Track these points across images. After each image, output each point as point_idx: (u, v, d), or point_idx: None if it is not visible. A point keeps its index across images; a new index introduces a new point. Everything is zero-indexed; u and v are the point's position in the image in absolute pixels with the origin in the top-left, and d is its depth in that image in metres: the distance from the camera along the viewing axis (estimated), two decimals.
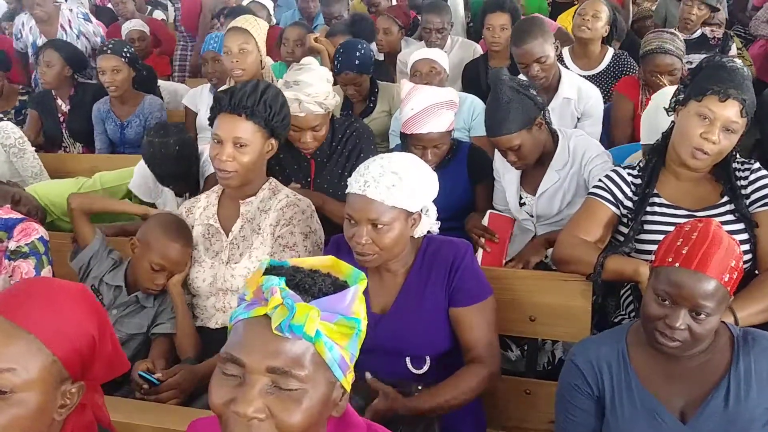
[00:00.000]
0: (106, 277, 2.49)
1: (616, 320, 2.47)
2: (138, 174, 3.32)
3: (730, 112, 2.10)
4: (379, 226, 1.97)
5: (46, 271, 2.49)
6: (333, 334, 1.17)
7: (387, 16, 5.14)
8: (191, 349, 2.37)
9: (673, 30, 3.56)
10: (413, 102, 2.91)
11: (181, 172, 3.03)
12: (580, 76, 4.06)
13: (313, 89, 2.76)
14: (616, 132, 3.75)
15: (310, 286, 1.18)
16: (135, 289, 2.48)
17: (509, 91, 2.68)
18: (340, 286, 1.22)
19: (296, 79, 2.78)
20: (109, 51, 4.14)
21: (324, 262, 1.30)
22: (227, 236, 2.44)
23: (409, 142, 2.97)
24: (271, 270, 1.22)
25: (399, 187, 1.94)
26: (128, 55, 4.18)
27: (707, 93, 2.11)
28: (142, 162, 3.18)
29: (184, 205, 2.59)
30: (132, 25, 5.69)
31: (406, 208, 1.97)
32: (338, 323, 1.17)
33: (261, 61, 3.53)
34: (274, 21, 5.13)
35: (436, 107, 2.90)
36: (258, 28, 3.45)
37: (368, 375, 1.92)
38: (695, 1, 4.69)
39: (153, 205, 3.24)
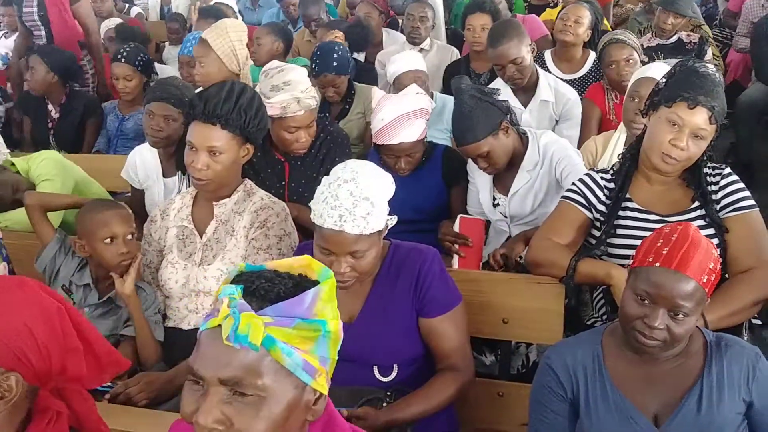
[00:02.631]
0: (74, 276, 2.47)
1: (588, 322, 2.49)
2: (128, 163, 3.34)
3: (699, 119, 2.12)
4: (359, 255, 1.94)
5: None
6: (292, 339, 1.16)
7: (367, 2, 5.17)
8: (152, 356, 2.36)
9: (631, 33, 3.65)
10: (384, 112, 2.91)
11: (176, 98, 2.99)
12: (562, 79, 4.09)
13: (304, 85, 2.80)
14: (583, 137, 3.76)
15: (267, 291, 1.18)
16: (104, 288, 2.45)
17: (470, 100, 2.71)
18: (303, 288, 1.21)
19: (285, 80, 2.78)
20: (123, 59, 4.14)
21: (299, 262, 1.30)
22: (201, 237, 2.43)
23: (382, 152, 2.97)
24: (237, 276, 1.22)
25: (373, 213, 1.89)
26: (141, 62, 4.19)
27: (677, 99, 2.12)
28: (133, 151, 3.24)
29: (159, 206, 2.57)
30: (110, 23, 5.65)
31: (380, 228, 1.95)
32: (297, 327, 1.16)
33: (228, 69, 3.46)
34: (240, 18, 5.12)
35: (407, 117, 2.90)
36: (225, 37, 3.41)
37: (343, 411, 1.90)
38: (669, 13, 4.73)
39: (138, 194, 3.30)
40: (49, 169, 3.22)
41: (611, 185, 2.35)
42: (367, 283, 2.10)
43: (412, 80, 3.67)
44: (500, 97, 2.85)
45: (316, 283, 1.24)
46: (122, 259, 2.36)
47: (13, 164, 3.10)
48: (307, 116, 2.83)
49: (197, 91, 3.65)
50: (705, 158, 2.26)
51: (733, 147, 5.36)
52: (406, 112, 2.91)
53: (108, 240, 2.35)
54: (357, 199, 1.87)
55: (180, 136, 2.85)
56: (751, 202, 2.23)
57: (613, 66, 3.69)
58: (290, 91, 2.76)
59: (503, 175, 2.88)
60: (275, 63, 2.98)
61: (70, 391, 1.40)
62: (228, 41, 3.41)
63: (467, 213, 3.00)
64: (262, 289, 1.18)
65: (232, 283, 1.22)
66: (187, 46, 4.16)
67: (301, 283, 1.22)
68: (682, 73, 2.20)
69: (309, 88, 2.83)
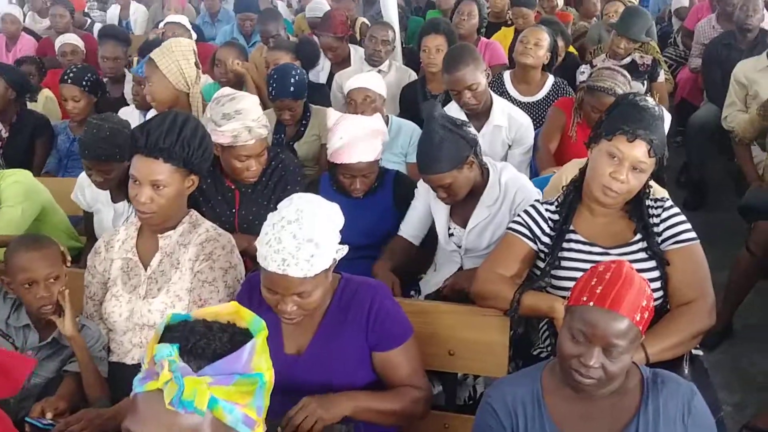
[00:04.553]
0: (10, 319, 2.40)
1: (535, 353, 2.50)
2: (77, 185, 3.31)
3: (639, 152, 2.15)
4: (305, 296, 1.93)
5: None
6: (232, 396, 1.17)
7: (325, 36, 5.17)
8: (96, 392, 2.30)
9: (625, 73, 3.61)
10: (341, 131, 2.92)
11: (107, 155, 2.93)
12: (521, 102, 4.13)
13: (255, 114, 2.79)
14: (542, 138, 3.81)
15: (203, 349, 1.18)
16: (45, 327, 2.39)
17: (442, 130, 2.68)
18: (238, 342, 1.22)
19: (236, 109, 2.77)
20: (69, 81, 4.09)
21: (227, 310, 1.30)
22: (146, 270, 2.40)
23: (338, 172, 2.98)
24: (168, 331, 1.22)
25: (318, 255, 1.87)
26: (88, 83, 4.13)
27: (617, 133, 2.15)
28: (82, 173, 3.18)
29: (103, 237, 2.53)
30: (65, 39, 5.59)
31: (326, 267, 1.93)
32: (237, 383, 1.18)
33: (174, 87, 3.38)
34: (194, 36, 5.09)
35: (364, 137, 2.92)
36: (171, 55, 3.37)
37: None
38: (623, 38, 4.80)
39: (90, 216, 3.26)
40: (16, 195, 3.18)
41: (555, 217, 2.37)
42: (317, 316, 2.09)
43: (363, 96, 3.70)
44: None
45: (248, 333, 1.24)
46: (42, 304, 2.30)
47: None
48: (258, 145, 2.82)
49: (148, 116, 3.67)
50: (646, 191, 2.29)
51: (685, 166, 5.45)
52: (365, 133, 2.93)
53: (27, 285, 2.30)
54: (300, 242, 1.85)
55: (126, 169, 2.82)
56: (692, 234, 2.26)
57: (596, 113, 3.56)
58: (241, 120, 2.74)
59: (460, 207, 2.87)
60: (227, 90, 2.96)
61: None
62: (174, 60, 3.39)
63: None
64: (199, 347, 1.18)
65: (162, 338, 1.22)
66: (141, 65, 4.12)
67: (235, 337, 1.23)
68: (623, 106, 2.24)
69: (260, 116, 2.82)
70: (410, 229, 3.02)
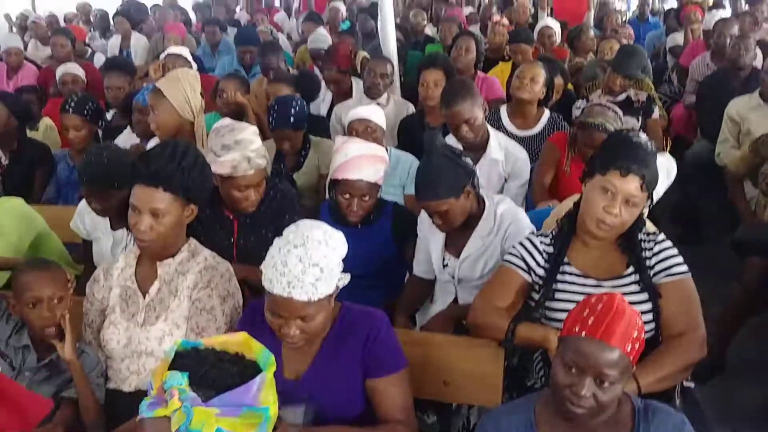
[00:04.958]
0: (11, 339, 2.42)
1: (529, 384, 2.52)
2: (77, 212, 3.33)
3: (631, 186, 2.20)
4: (308, 320, 1.97)
5: None
6: (237, 428, 1.19)
7: (329, 69, 5.25)
8: (93, 419, 2.32)
9: (617, 109, 3.68)
10: (346, 149, 2.98)
11: (106, 183, 2.96)
12: (517, 136, 4.19)
13: (255, 145, 2.84)
14: (537, 173, 3.86)
15: (214, 380, 1.20)
16: (44, 349, 2.41)
17: (441, 158, 2.73)
18: (247, 375, 1.24)
19: (236, 139, 2.81)
20: (70, 110, 4.11)
21: (236, 340, 1.32)
22: (144, 298, 2.42)
23: (338, 191, 3.02)
24: (178, 358, 1.23)
25: (323, 279, 1.92)
26: (90, 112, 4.15)
27: (610, 168, 2.20)
28: (82, 201, 3.21)
29: (102, 266, 2.56)
30: (67, 68, 5.65)
31: (330, 292, 1.98)
32: (243, 416, 1.20)
33: (181, 116, 3.43)
34: (195, 66, 5.16)
35: (369, 158, 2.98)
36: (178, 85, 3.43)
37: None
38: (619, 75, 4.87)
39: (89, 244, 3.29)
40: (10, 221, 3.20)
41: (550, 249, 2.40)
42: (316, 342, 2.12)
43: (364, 127, 3.75)
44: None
45: (256, 366, 1.26)
46: (45, 324, 2.34)
47: None
48: (257, 175, 2.86)
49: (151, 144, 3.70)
50: (639, 224, 2.33)
51: (679, 202, 5.50)
52: (369, 154, 2.99)
53: (31, 304, 2.33)
54: (306, 266, 1.90)
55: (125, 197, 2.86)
56: (684, 268, 2.30)
57: (588, 148, 3.62)
58: (241, 151, 2.79)
59: (455, 237, 2.91)
60: (226, 121, 3.01)
61: None
62: (180, 89, 3.44)
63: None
64: (209, 378, 1.21)
65: (172, 365, 1.24)
66: (141, 94, 4.17)
67: (245, 370, 1.26)
68: (616, 142, 2.30)
69: (260, 147, 2.87)
70: (422, 265, 3.06)
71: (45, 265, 2.44)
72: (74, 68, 5.68)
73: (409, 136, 4.52)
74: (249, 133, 2.87)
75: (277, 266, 1.92)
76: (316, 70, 6.03)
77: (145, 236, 2.28)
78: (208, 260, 2.44)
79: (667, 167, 2.79)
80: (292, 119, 3.80)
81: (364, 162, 2.97)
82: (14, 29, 9.80)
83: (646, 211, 2.39)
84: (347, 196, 3.00)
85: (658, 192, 2.74)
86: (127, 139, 4.41)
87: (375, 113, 3.88)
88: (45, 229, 3.44)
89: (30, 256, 3.20)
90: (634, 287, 2.28)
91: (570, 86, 5.59)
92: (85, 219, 3.28)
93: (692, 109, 5.81)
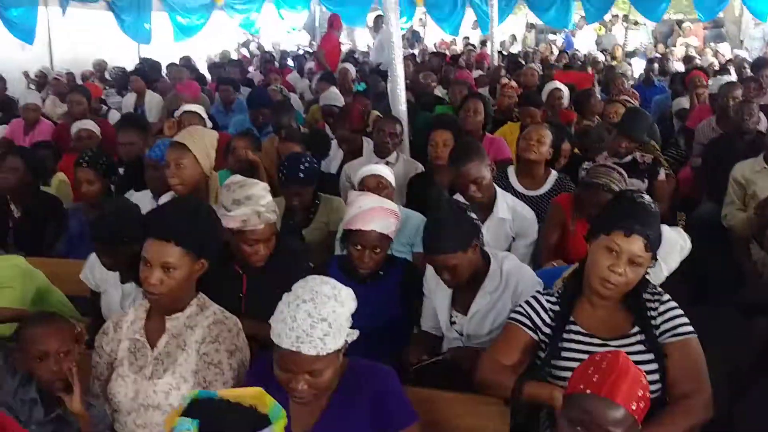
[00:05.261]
0: (18, 393, 2.44)
1: None
2: (87, 264, 3.36)
3: (635, 246, 2.23)
4: (316, 375, 2.00)
5: None
6: None
7: (341, 128, 5.34)
8: None
9: (621, 171, 3.74)
10: (361, 201, 3.05)
11: (115, 238, 2.99)
12: (525, 196, 4.23)
13: (265, 200, 2.89)
14: (543, 234, 3.88)
15: (223, 429, 1.23)
16: (51, 402, 2.42)
17: (449, 212, 2.80)
18: (257, 427, 1.26)
19: (246, 195, 2.87)
20: (84, 164, 4.18)
21: (251, 393, 1.34)
22: (153, 351, 2.44)
23: (350, 241, 3.06)
24: (192, 407, 1.25)
25: (331, 335, 1.96)
26: (103, 167, 4.22)
27: (614, 228, 2.24)
28: (93, 253, 3.24)
29: (112, 318, 2.59)
30: (82, 124, 5.76)
31: (339, 347, 2.01)
32: None
33: (203, 171, 3.58)
34: (210, 124, 5.27)
35: (381, 210, 3.04)
36: (200, 140, 3.51)
37: None
38: (624, 137, 4.93)
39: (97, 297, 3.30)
40: (12, 277, 3.24)
41: (556, 308, 2.42)
42: (325, 397, 2.14)
43: (376, 182, 3.81)
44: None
45: (267, 419, 1.28)
46: (52, 378, 2.36)
47: None
48: (267, 230, 2.91)
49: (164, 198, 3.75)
50: (644, 284, 2.35)
51: (686, 262, 5.49)
52: (383, 207, 3.05)
53: (38, 358, 2.36)
54: (315, 321, 1.94)
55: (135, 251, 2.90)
56: (690, 328, 2.32)
57: (593, 208, 3.63)
58: (251, 206, 2.84)
59: (462, 294, 2.94)
60: (237, 178, 3.07)
61: None
62: (203, 144, 3.53)
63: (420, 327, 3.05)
64: (219, 427, 1.23)
65: (185, 412, 1.25)
66: (155, 150, 4.23)
67: (256, 423, 1.28)
68: (620, 202, 2.34)
69: (270, 202, 2.92)
70: (430, 321, 3.09)
71: (51, 318, 2.47)
72: (89, 124, 5.80)
73: (417, 194, 4.58)
74: (259, 188, 2.93)
75: (286, 320, 1.95)
76: (327, 129, 6.15)
77: (155, 289, 2.31)
78: (216, 315, 2.47)
79: (681, 243, 2.84)
80: (301, 174, 3.86)
81: (377, 214, 3.02)
82: (32, 86, 10.02)
83: (663, 276, 2.39)
84: (359, 247, 3.03)
85: (671, 266, 2.80)
86: (140, 197, 4.46)
87: (385, 170, 3.95)
88: (46, 284, 3.47)
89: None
90: (640, 347, 2.29)
91: (576, 150, 5.66)
92: (95, 271, 3.32)
93: (698, 172, 5.86)
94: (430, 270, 3.00)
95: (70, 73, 10.14)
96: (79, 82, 10.07)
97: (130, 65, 10.63)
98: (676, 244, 2.86)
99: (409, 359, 2.86)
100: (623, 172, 3.68)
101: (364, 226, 3.00)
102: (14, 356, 2.44)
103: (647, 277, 2.37)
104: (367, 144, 5.40)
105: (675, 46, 15.34)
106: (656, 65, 11.14)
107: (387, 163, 4.76)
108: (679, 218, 5.05)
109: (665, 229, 2.91)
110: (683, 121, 7.22)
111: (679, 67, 11.33)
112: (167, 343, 2.43)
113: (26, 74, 10.53)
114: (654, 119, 6.86)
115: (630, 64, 11.89)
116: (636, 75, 11.18)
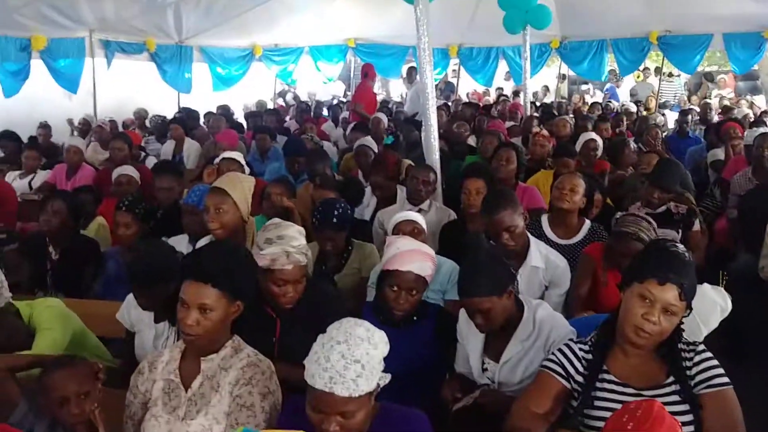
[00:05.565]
0: None
1: None
2: (125, 303, 3.42)
3: (669, 295, 2.22)
4: (348, 416, 2.01)
5: None
6: None
7: (376, 175, 5.41)
8: None
9: (650, 220, 3.73)
10: (399, 243, 3.10)
11: (151, 279, 3.05)
12: (558, 244, 4.23)
13: (297, 241, 2.93)
14: (574, 284, 3.86)
15: None
16: None
17: (486, 257, 2.83)
18: None
19: (279, 234, 2.92)
20: (124, 208, 4.32)
21: None
22: (186, 391, 2.46)
23: (386, 283, 3.08)
24: None
25: (364, 376, 1.98)
26: (141, 211, 4.36)
27: (648, 276, 2.23)
28: (131, 294, 3.30)
29: (147, 358, 2.62)
30: (123, 170, 5.90)
31: (371, 389, 2.03)
32: None
33: (242, 216, 3.65)
34: (247, 170, 5.38)
35: (418, 253, 3.09)
36: (240, 186, 3.59)
37: None
38: (656, 187, 4.92)
39: (131, 337, 3.34)
40: (51, 318, 3.30)
41: (589, 356, 2.41)
42: None
43: (411, 228, 3.86)
44: None
45: None
46: (75, 421, 2.41)
47: (14, 306, 3.18)
48: (296, 271, 2.94)
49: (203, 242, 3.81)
50: (679, 333, 2.33)
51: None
52: (421, 250, 3.10)
53: (59, 403, 2.40)
54: (348, 362, 1.97)
55: (169, 292, 2.94)
56: (726, 379, 2.28)
57: (622, 257, 3.65)
58: (282, 245, 2.89)
59: (494, 341, 2.94)
60: (275, 220, 3.13)
61: None
62: (242, 190, 3.60)
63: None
64: None
65: None
66: (192, 195, 4.33)
67: None
68: (654, 251, 2.33)
69: (302, 245, 2.95)
70: (462, 367, 3.09)
71: (67, 362, 2.51)
72: (129, 170, 5.94)
73: (450, 242, 4.60)
74: (293, 230, 2.98)
75: (320, 361, 1.98)
76: (360, 177, 6.22)
77: (192, 330, 2.35)
78: (250, 357, 2.49)
79: (721, 305, 2.83)
80: (335, 219, 3.91)
81: (414, 256, 3.06)
82: (76, 132, 10.28)
83: (702, 336, 2.36)
84: (395, 288, 3.06)
85: (711, 326, 2.78)
86: (177, 241, 4.54)
87: (419, 217, 4.00)
88: (81, 327, 3.53)
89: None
90: (675, 397, 2.26)
91: (609, 200, 5.65)
92: (132, 311, 3.37)
93: (734, 223, 5.80)
94: (463, 315, 3.00)
95: (113, 120, 10.40)
96: (121, 129, 10.32)
97: (170, 114, 10.86)
98: (716, 305, 2.85)
99: (444, 393, 2.87)
100: (652, 221, 3.68)
101: (402, 267, 3.03)
102: (40, 403, 2.48)
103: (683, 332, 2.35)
104: (401, 191, 5.45)
105: (706, 97, 15.29)
106: (689, 117, 11.12)
107: (420, 211, 4.81)
108: (722, 277, 5.00)
109: (706, 288, 2.91)
110: (718, 172, 7.18)
111: (714, 118, 11.29)
112: (201, 384, 2.45)
113: (70, 121, 10.82)
114: (688, 170, 6.83)
115: (664, 115, 11.87)
116: (670, 125, 11.16)
